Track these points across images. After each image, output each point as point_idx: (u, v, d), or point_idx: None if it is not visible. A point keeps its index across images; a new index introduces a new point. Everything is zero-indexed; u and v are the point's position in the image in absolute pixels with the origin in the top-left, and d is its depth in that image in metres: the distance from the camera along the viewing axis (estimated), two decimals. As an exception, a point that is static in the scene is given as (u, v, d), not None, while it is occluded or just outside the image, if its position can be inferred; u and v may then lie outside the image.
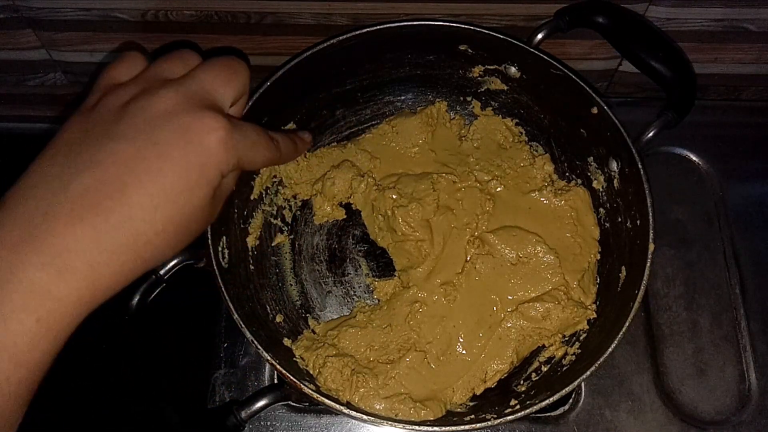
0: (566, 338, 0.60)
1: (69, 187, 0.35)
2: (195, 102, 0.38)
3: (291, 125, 0.66)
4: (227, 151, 0.38)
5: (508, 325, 0.60)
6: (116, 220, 0.35)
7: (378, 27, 0.61)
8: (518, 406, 0.54)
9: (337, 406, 0.51)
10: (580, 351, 0.58)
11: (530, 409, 0.51)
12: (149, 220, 0.36)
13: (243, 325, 0.52)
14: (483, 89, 0.69)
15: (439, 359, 0.59)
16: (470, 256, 0.62)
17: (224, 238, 0.58)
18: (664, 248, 0.70)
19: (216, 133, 0.38)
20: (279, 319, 0.61)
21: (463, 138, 0.69)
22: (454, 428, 0.50)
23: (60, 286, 0.33)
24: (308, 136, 0.56)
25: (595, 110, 0.60)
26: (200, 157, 0.37)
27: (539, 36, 0.61)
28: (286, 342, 0.59)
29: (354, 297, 0.65)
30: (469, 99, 0.70)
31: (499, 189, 0.65)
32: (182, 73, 0.41)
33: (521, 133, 0.70)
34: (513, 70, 0.65)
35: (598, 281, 0.62)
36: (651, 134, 0.58)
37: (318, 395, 0.51)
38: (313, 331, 0.62)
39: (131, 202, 0.35)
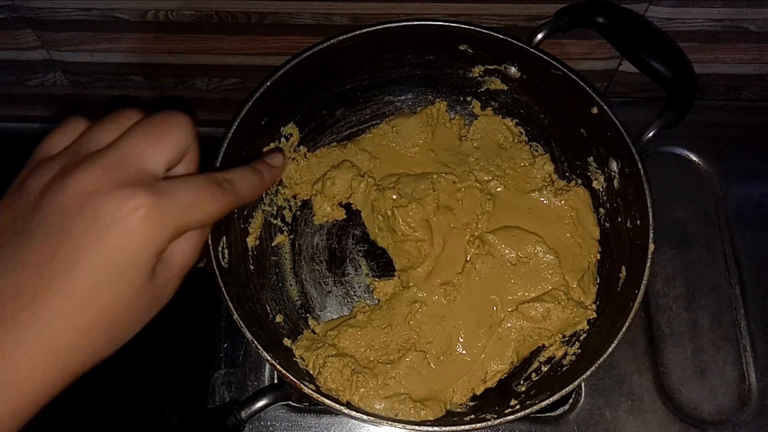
0: (566, 338, 0.60)
1: None
2: (114, 177, 0.34)
3: (291, 125, 0.66)
4: (154, 228, 0.34)
5: (508, 326, 0.60)
6: (30, 333, 0.32)
7: (378, 27, 0.61)
8: (518, 406, 0.54)
9: (337, 406, 0.51)
10: (580, 351, 0.58)
11: (530, 409, 0.51)
12: (68, 326, 0.33)
13: (243, 325, 0.52)
14: (483, 89, 0.69)
15: (439, 359, 0.59)
16: (470, 256, 0.62)
17: (224, 238, 0.57)
18: (664, 248, 0.70)
19: (136, 213, 0.33)
20: (279, 319, 0.61)
21: (463, 138, 0.69)
22: (454, 428, 0.50)
23: None
24: (279, 159, 0.49)
25: (595, 110, 0.60)
26: (120, 244, 0.33)
27: (539, 36, 0.61)
28: (286, 342, 0.59)
29: (354, 297, 0.65)
30: (469, 99, 0.70)
31: (499, 189, 0.65)
32: (112, 139, 0.36)
33: (521, 133, 0.70)
34: (513, 70, 0.65)
35: (598, 281, 0.62)
36: (651, 134, 0.58)
37: (318, 395, 0.51)
38: (313, 331, 0.62)
39: (45, 309, 0.32)
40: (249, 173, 0.43)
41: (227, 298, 0.52)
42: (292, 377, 0.51)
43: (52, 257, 0.33)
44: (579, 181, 0.67)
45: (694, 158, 0.75)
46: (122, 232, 0.33)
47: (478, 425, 0.50)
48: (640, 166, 0.57)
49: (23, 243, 0.33)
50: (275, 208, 0.66)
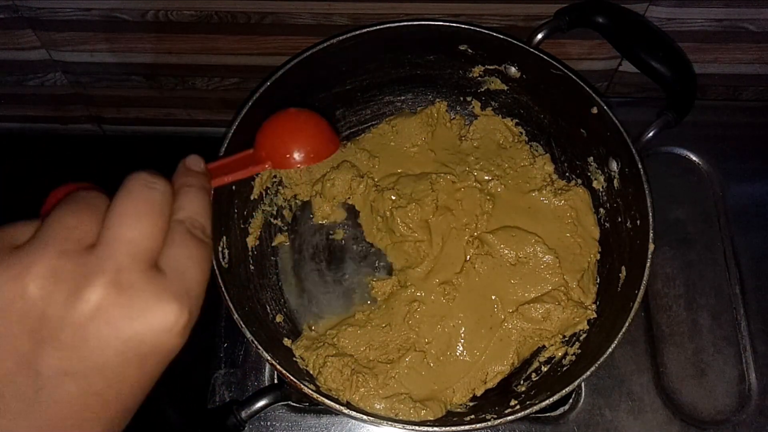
0: (566, 338, 0.60)
1: None
2: (129, 287, 0.28)
3: (291, 125, 0.66)
4: (181, 335, 0.31)
5: (509, 327, 0.59)
6: None
7: (378, 27, 0.61)
8: (518, 407, 0.54)
9: (337, 406, 0.51)
10: (580, 351, 0.58)
11: (530, 409, 0.51)
12: None
13: (243, 325, 0.52)
14: (483, 89, 0.69)
15: (439, 359, 0.59)
16: (469, 256, 0.62)
17: (224, 238, 0.58)
18: (664, 248, 0.70)
19: (170, 332, 0.30)
20: (279, 319, 0.61)
21: (463, 138, 0.69)
22: (454, 428, 0.50)
23: None
24: (199, 164, 0.39)
25: (595, 110, 0.60)
26: (158, 362, 0.31)
27: (539, 36, 0.61)
28: (286, 342, 0.59)
29: (353, 297, 0.65)
30: (469, 99, 0.70)
31: (498, 189, 0.65)
32: (95, 233, 0.29)
33: (521, 133, 0.70)
34: (513, 70, 0.65)
35: (598, 281, 0.62)
36: (651, 134, 0.58)
37: (318, 395, 0.51)
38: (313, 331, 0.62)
39: None
40: (203, 203, 0.35)
41: (227, 298, 0.52)
42: (292, 377, 0.51)
43: (84, 405, 0.28)
44: (579, 181, 0.67)
45: (694, 158, 0.75)
46: (158, 351, 0.31)
47: (478, 425, 0.50)
48: (640, 166, 0.57)
49: (31, 412, 0.27)
50: (275, 208, 0.66)
